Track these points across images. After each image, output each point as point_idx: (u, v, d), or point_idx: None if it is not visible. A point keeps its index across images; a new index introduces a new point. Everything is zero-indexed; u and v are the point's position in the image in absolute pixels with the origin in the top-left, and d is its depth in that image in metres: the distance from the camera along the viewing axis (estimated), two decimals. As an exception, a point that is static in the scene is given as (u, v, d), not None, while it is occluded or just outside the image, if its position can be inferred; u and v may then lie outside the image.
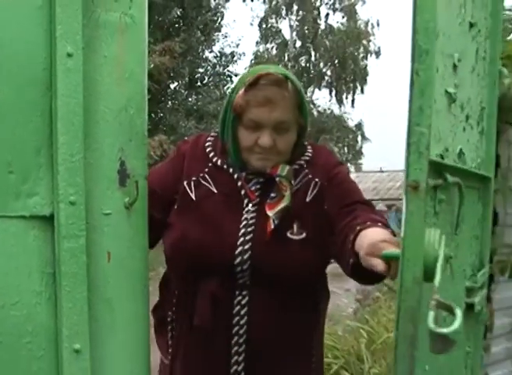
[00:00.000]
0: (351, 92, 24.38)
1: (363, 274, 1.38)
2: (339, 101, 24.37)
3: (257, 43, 23.63)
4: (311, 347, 1.69)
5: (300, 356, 1.67)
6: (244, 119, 1.56)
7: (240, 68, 22.97)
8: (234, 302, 1.56)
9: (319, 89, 24.61)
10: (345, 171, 1.72)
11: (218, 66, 19.75)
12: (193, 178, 1.63)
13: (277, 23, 23.74)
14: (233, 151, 1.62)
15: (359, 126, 25.38)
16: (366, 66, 24.36)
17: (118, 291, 1.23)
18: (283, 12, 23.55)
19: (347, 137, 25.15)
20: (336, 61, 23.55)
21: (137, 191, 1.26)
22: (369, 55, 24.27)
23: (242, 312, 1.57)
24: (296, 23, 23.58)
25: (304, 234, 1.57)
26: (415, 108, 1.07)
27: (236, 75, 21.02)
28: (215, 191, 1.62)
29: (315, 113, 24.32)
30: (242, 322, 1.57)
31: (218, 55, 19.81)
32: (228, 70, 20.13)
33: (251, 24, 23.90)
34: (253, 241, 1.55)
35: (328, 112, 24.53)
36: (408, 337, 1.08)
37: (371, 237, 1.34)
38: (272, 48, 23.78)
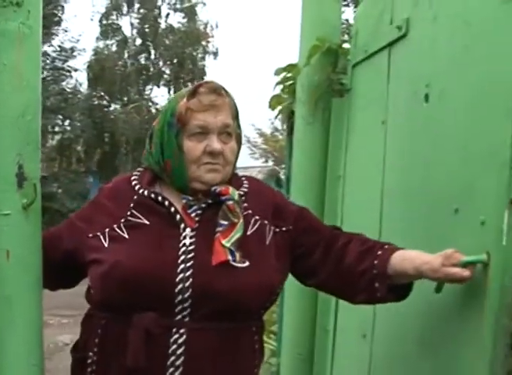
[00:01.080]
0: (189, 91, 24.60)
1: (400, 291, 1.50)
2: (178, 100, 24.48)
3: (97, 39, 23.09)
4: None
5: None
6: (190, 127, 1.54)
7: (79, 63, 22.42)
8: (170, 341, 1.46)
9: (158, 87, 24.50)
10: (305, 212, 1.72)
11: (57, 61, 19.25)
12: (123, 219, 1.55)
13: (118, 19, 23.38)
14: (178, 168, 1.56)
15: (196, 124, 25.65)
16: (204, 66, 24.67)
17: (17, 288, 1.29)
18: (124, 9, 23.25)
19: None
20: (176, 60, 23.63)
21: (35, 193, 1.34)
22: (207, 56, 24.61)
23: (178, 352, 1.46)
24: (137, 20, 23.38)
25: (247, 263, 1.51)
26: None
27: (75, 70, 20.53)
28: (147, 222, 1.55)
29: (153, 111, 24.24)
30: (178, 363, 1.46)
31: (58, 49, 19.35)
32: (68, 65, 19.71)
33: (92, 19, 23.35)
34: (194, 268, 1.48)
35: (167, 110, 24.53)
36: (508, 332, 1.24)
37: (411, 255, 1.47)
38: (112, 44, 23.33)
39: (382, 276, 1.50)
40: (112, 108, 23.61)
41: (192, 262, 1.48)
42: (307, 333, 2.56)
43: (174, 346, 1.45)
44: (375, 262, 1.52)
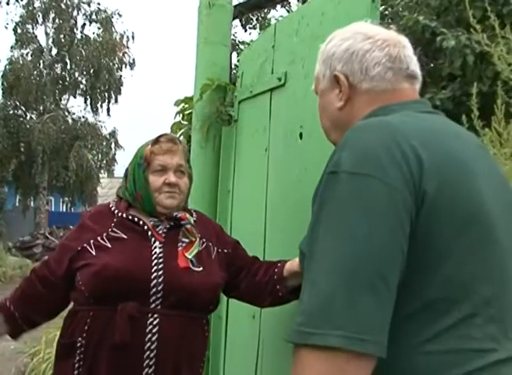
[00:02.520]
0: (106, 101, 24.47)
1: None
2: (94, 110, 24.34)
3: (11, 48, 22.74)
4: (201, 360, 2.08)
5: (193, 367, 2.03)
6: (153, 165, 2.05)
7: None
8: (147, 323, 1.89)
9: (74, 97, 24.36)
10: (239, 244, 2.27)
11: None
12: (105, 233, 2.00)
13: (33, 28, 23.13)
14: (146, 196, 2.05)
15: (113, 134, 25.44)
16: (121, 76, 24.70)
17: None
18: (40, 19, 23.02)
19: (101, 145, 25.09)
20: (92, 70, 23.53)
21: None
22: (124, 67, 24.65)
23: (153, 331, 1.89)
24: (53, 30, 23.18)
25: (201, 268, 2.01)
26: None
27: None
28: (126, 237, 2.00)
29: (70, 121, 24.12)
30: (153, 339, 1.89)
31: (-29, 58, 19.13)
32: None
33: (6, 28, 23.03)
34: (164, 270, 1.93)
35: (83, 119, 24.36)
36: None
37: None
38: (28, 53, 23.05)
39: (280, 280, 2.04)
40: (27, 118, 23.31)
41: (162, 265, 1.95)
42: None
43: (150, 327, 1.89)
44: (275, 270, 2.06)
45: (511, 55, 2.64)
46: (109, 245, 1.97)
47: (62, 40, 23.13)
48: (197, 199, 2.98)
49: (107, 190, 29.41)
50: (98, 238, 1.98)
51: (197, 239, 2.08)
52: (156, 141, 2.09)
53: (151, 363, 1.88)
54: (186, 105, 3.29)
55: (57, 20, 23.07)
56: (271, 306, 2.17)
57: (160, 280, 1.92)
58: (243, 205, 2.80)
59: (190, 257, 2.01)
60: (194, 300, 1.99)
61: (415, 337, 1.05)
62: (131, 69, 24.75)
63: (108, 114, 24.68)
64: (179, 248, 2.02)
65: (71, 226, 21.11)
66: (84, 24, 23.64)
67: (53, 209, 28.57)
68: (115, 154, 25.85)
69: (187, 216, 2.11)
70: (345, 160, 1.08)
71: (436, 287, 1.06)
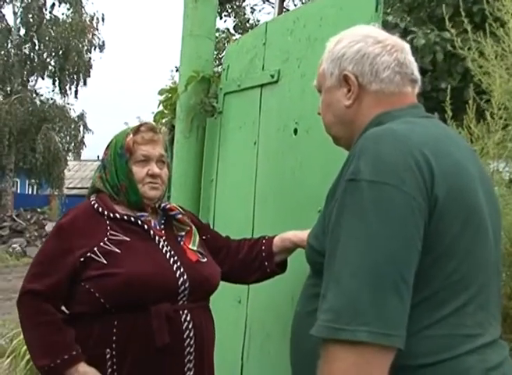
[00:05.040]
0: (74, 83, 24.25)
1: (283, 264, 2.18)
2: (63, 92, 24.10)
3: (-23, 27, 22.30)
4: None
5: (212, 354, 2.04)
6: (136, 155, 1.99)
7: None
8: (181, 320, 1.88)
9: (42, 78, 24.03)
10: (209, 226, 2.35)
11: None
12: (105, 238, 1.90)
13: (1, 7, 22.68)
14: (131, 188, 1.99)
15: (81, 116, 25.28)
16: (90, 59, 24.46)
17: None
18: (8, -2, 22.61)
19: (69, 128, 24.90)
20: (60, 52, 23.26)
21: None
22: (93, 49, 24.41)
23: (190, 327, 1.89)
24: (21, 9, 22.79)
25: (206, 259, 2.05)
26: None
27: None
28: (128, 239, 1.91)
29: (38, 103, 23.85)
30: (191, 334, 1.89)
31: None
32: None
33: (-27, 7, 22.57)
34: (183, 266, 1.93)
35: (51, 102, 24.11)
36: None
37: (288, 235, 2.14)
38: (-5, 33, 22.64)
39: (269, 256, 2.14)
40: (-6, 99, 22.99)
41: (178, 262, 1.94)
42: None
43: (185, 324, 1.89)
44: (263, 247, 2.15)
45: (483, 58, 2.79)
46: (117, 250, 1.88)
47: (31, 20, 22.78)
48: (181, 187, 3.11)
49: (73, 172, 29.20)
50: (101, 244, 1.88)
51: (192, 226, 2.10)
52: (137, 130, 2.03)
53: (191, 359, 1.90)
54: (170, 95, 3.38)
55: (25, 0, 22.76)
56: (257, 282, 2.24)
57: (185, 277, 1.92)
58: (227, 194, 2.92)
59: (194, 248, 2.04)
60: (211, 290, 2.06)
61: (417, 323, 1.17)
62: (101, 51, 24.57)
63: (76, 96, 24.53)
64: (181, 243, 2.03)
65: (38, 209, 21.05)
66: (53, 4, 23.33)
67: (19, 191, 28.23)
68: (83, 137, 25.70)
69: (175, 206, 2.15)
70: (363, 169, 1.18)
71: (439, 281, 1.19)
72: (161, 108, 3.54)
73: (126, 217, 1.97)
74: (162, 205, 2.11)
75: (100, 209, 1.98)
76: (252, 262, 2.16)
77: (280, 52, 2.55)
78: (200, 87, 3.08)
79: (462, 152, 1.32)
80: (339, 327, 1.10)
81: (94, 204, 2.00)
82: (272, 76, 2.57)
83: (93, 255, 1.86)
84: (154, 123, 2.17)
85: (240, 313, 2.64)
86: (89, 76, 24.50)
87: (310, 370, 1.22)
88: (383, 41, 1.45)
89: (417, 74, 1.47)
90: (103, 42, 24.52)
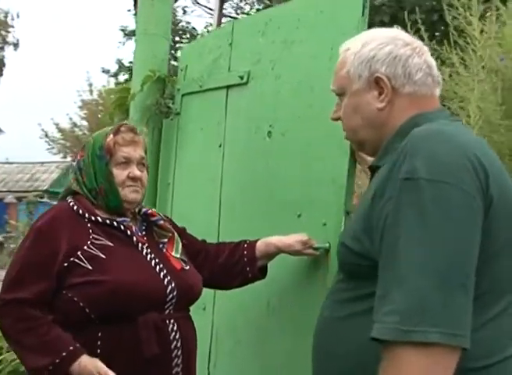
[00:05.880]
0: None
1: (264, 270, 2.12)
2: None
3: None
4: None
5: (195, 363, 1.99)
6: (117, 157, 1.90)
7: None
8: (169, 330, 1.82)
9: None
10: (186, 231, 2.20)
11: None
12: (88, 241, 1.81)
13: None
14: (111, 191, 1.90)
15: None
16: (4, 57, 23.64)
17: None
18: None
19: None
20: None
21: None
22: (7, 47, 23.61)
23: (177, 337, 1.83)
24: None
25: (188, 266, 1.98)
26: None
27: None
28: (112, 244, 1.83)
29: None
30: (178, 344, 1.83)
31: None
32: None
33: None
34: (169, 274, 1.87)
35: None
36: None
37: (272, 240, 2.08)
38: None
39: (251, 261, 2.07)
40: None
41: (165, 270, 1.88)
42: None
43: (173, 333, 1.82)
44: (245, 252, 2.08)
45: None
46: (102, 255, 1.79)
47: None
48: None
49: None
50: (85, 248, 1.79)
51: (174, 233, 2.03)
52: (117, 130, 1.94)
53: (179, 371, 1.84)
54: (122, 95, 3.25)
55: None
56: (238, 287, 2.17)
57: (172, 285, 1.86)
58: (187, 198, 2.84)
59: (178, 256, 1.97)
60: (195, 298, 2.00)
61: None
62: (15, 49, 23.75)
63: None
64: (163, 251, 1.96)
65: None
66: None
67: None
68: (-6, 137, 24.75)
69: (155, 211, 2.07)
70: (420, 168, 1.15)
71: (488, 281, 1.17)
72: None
73: (108, 221, 1.89)
74: (143, 210, 2.03)
75: (80, 211, 1.88)
76: (233, 266, 2.10)
77: (250, 54, 2.49)
78: (156, 87, 2.98)
79: (493, 153, 1.32)
80: (408, 329, 1.07)
81: (73, 205, 1.90)
82: (241, 78, 2.50)
83: (77, 260, 1.77)
84: (133, 124, 2.04)
85: (205, 321, 2.55)
86: (1, 74, 23.64)
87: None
88: (411, 43, 1.44)
89: (439, 77, 1.47)
90: (18, 40, 23.75)
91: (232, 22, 2.72)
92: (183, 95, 2.90)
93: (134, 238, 1.90)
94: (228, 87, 2.60)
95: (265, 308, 2.28)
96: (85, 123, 28.57)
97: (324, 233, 2.06)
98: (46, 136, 28.86)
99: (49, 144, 29.11)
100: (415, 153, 1.18)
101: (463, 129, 1.34)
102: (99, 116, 27.48)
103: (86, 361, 1.71)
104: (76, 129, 28.40)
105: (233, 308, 2.47)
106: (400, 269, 1.12)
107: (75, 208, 1.89)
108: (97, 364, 1.70)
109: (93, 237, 1.82)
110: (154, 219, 2.02)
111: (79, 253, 1.78)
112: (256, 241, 2.12)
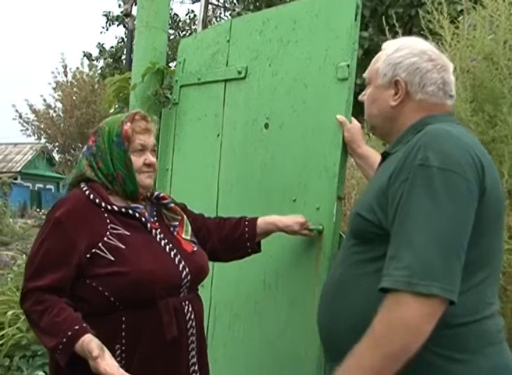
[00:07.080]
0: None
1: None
2: None
3: None
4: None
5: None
6: (135, 144, 1.98)
7: None
8: (185, 311, 1.94)
9: None
10: (187, 207, 2.29)
11: None
12: (107, 232, 1.88)
13: None
14: (128, 177, 1.98)
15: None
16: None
17: None
18: None
19: None
20: None
21: None
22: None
23: (192, 317, 1.96)
24: None
25: (196, 247, 2.09)
26: None
27: None
28: (128, 234, 1.91)
29: None
30: (194, 324, 1.96)
31: None
32: None
33: None
34: (183, 259, 1.98)
35: None
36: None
37: (272, 219, 2.26)
38: None
39: (252, 237, 2.23)
40: None
41: (179, 255, 1.98)
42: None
43: (188, 314, 1.95)
44: (246, 229, 2.24)
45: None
46: (121, 246, 1.87)
47: None
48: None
49: None
50: (105, 239, 1.87)
51: (184, 215, 2.14)
52: (132, 119, 2.01)
53: (194, 346, 1.98)
54: (122, 85, 3.42)
55: None
56: (236, 259, 2.35)
57: (187, 270, 1.97)
58: (185, 184, 3.02)
59: (188, 238, 2.09)
60: (204, 278, 2.13)
61: None
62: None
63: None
64: (174, 233, 2.08)
65: None
66: None
67: None
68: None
69: (168, 196, 2.18)
70: (432, 158, 1.42)
71: (473, 254, 1.44)
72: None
73: (123, 210, 1.97)
74: (155, 193, 2.14)
75: (97, 201, 1.94)
76: (234, 242, 2.25)
77: (248, 50, 2.67)
78: (155, 78, 3.17)
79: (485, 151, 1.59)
80: (416, 282, 1.34)
81: (89, 194, 1.95)
82: (240, 73, 2.69)
83: (99, 251, 1.85)
84: (144, 112, 2.12)
85: (203, 296, 2.72)
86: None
87: (356, 330, 1.45)
88: (435, 59, 1.70)
89: (454, 92, 1.74)
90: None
91: (230, 20, 2.89)
92: (181, 87, 3.07)
93: (148, 225, 1.99)
94: (226, 80, 2.79)
95: (261, 284, 2.49)
96: (59, 104, 28.45)
97: (317, 216, 2.29)
98: (20, 117, 28.67)
99: (23, 126, 28.92)
100: (429, 146, 1.45)
101: (465, 131, 1.61)
102: (74, 97, 27.40)
103: (89, 338, 1.76)
104: (51, 111, 28.23)
105: (231, 284, 2.67)
106: (411, 235, 1.39)
107: (91, 197, 1.94)
108: (99, 342, 1.77)
109: (111, 227, 1.90)
110: (165, 201, 2.13)
111: (100, 244, 1.85)
112: (256, 219, 2.28)
